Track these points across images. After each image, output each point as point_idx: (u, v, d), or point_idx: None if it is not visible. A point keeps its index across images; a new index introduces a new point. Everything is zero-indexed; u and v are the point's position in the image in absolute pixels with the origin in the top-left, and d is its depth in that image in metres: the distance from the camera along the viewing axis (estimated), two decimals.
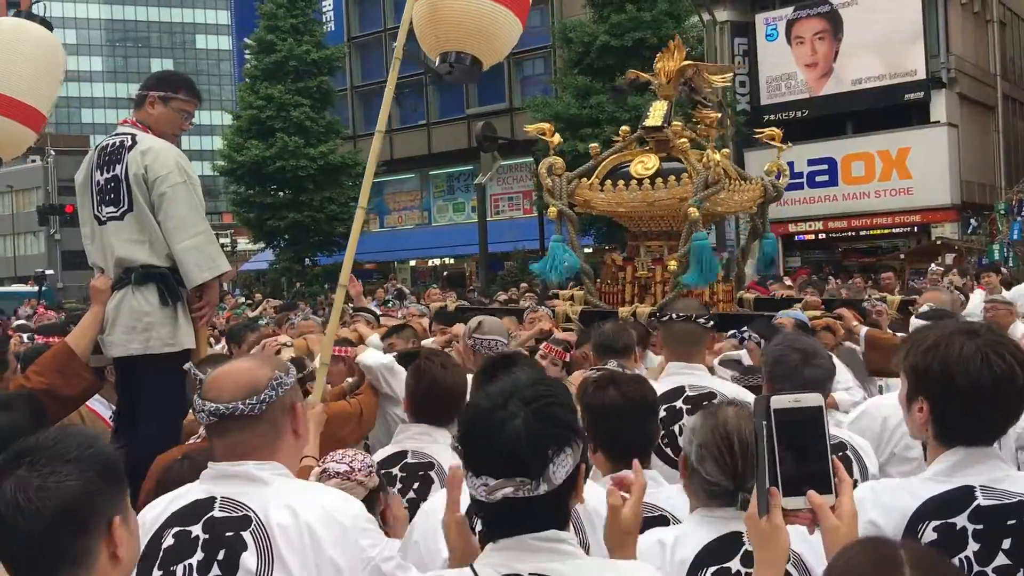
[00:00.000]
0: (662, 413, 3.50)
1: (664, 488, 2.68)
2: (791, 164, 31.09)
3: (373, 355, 4.38)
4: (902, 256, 23.99)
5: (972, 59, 28.76)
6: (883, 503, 2.16)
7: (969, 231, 27.51)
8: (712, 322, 4.00)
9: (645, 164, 6.08)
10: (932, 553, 1.58)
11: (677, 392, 3.64)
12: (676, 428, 3.50)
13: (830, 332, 5.34)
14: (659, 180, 5.87)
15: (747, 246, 6.97)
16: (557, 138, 6.29)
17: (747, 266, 7.37)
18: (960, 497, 2.11)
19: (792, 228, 28.87)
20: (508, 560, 1.73)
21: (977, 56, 29.26)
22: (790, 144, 6.80)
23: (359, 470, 2.69)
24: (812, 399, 1.66)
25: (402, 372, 4.09)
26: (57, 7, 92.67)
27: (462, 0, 4.47)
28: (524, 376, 1.77)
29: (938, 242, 24.51)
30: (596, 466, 2.71)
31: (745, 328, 4.79)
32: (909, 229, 27.56)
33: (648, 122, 6.19)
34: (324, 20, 36.62)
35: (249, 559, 2.05)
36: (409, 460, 3.24)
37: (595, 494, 2.32)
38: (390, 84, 4.37)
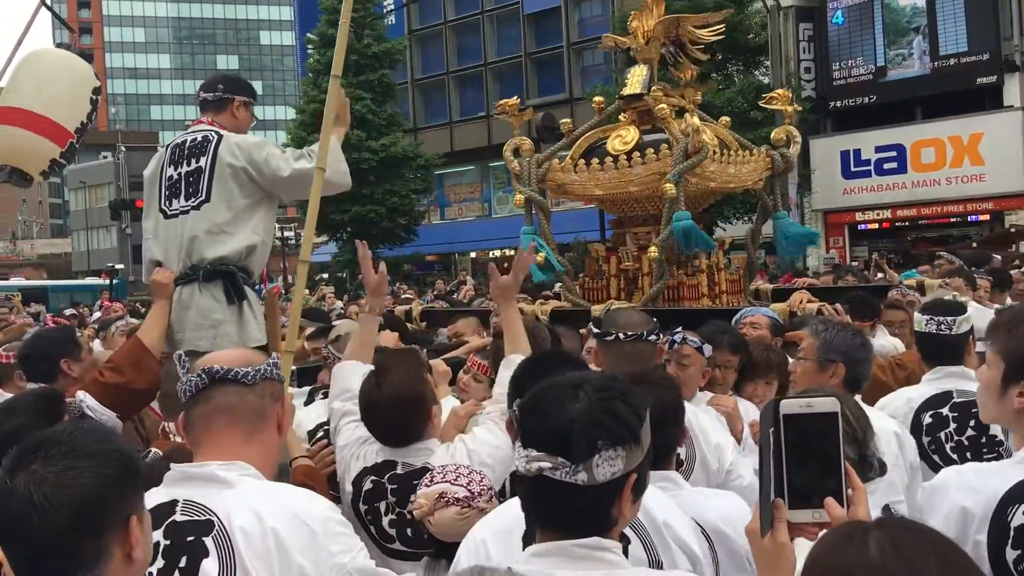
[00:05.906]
0: None
1: (685, 491, 2.56)
2: (858, 152, 30.47)
3: None
4: (974, 244, 23.33)
5: None
6: (972, 486, 2.15)
7: None
8: (660, 335, 3.41)
9: (624, 138, 5.35)
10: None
11: None
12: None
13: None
14: (636, 155, 5.13)
15: (756, 228, 6.08)
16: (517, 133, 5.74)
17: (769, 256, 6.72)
18: None
19: (859, 216, 28.31)
20: (547, 567, 1.65)
21: None
22: (798, 107, 6.11)
23: (479, 494, 2.42)
24: (827, 404, 1.48)
25: None
26: (126, 6, 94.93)
27: None
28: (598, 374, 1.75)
29: (1012, 229, 23.82)
30: None
31: (679, 330, 3.62)
32: (981, 217, 26.85)
33: (626, 91, 5.47)
34: (385, 13, 36.88)
35: (210, 566, 1.93)
36: (399, 471, 2.91)
37: (659, 502, 2.25)
38: (344, 18, 4.29)
